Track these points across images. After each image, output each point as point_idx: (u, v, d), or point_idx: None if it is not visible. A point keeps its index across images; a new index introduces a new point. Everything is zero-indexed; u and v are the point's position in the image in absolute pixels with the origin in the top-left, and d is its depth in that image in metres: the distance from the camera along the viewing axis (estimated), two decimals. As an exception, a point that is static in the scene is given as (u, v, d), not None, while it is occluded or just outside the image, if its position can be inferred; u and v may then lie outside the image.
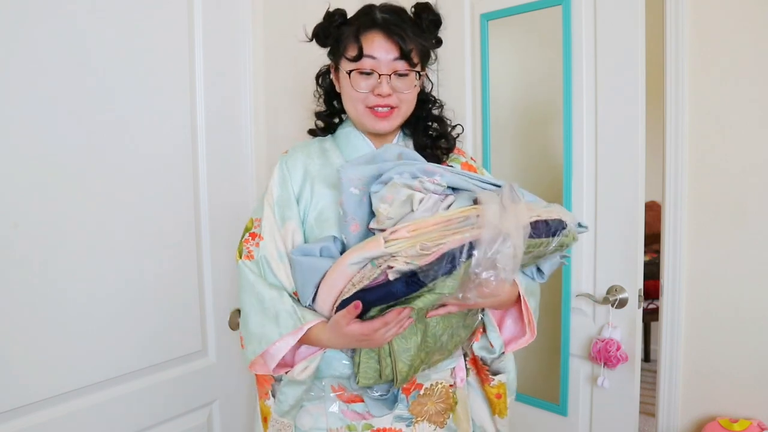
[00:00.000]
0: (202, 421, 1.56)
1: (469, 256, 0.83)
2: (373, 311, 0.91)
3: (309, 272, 0.98)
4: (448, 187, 0.96)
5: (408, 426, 1.06)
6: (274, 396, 1.08)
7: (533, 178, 1.81)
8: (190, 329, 1.51)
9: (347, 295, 0.91)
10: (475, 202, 0.93)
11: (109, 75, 1.30)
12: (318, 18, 1.10)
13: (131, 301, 1.37)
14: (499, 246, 0.82)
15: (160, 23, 1.41)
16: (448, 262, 0.83)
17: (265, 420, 1.10)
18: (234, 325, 1.59)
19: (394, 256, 0.86)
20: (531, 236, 0.87)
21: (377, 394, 1.03)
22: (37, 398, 1.20)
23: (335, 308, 0.94)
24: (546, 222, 0.90)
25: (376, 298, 0.88)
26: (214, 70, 1.52)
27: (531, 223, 0.88)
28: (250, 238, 1.07)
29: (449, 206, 0.93)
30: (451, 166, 1.08)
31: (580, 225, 0.98)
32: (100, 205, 1.30)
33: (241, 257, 1.06)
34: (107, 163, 1.31)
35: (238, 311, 1.60)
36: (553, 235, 0.91)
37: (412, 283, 0.85)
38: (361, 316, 0.92)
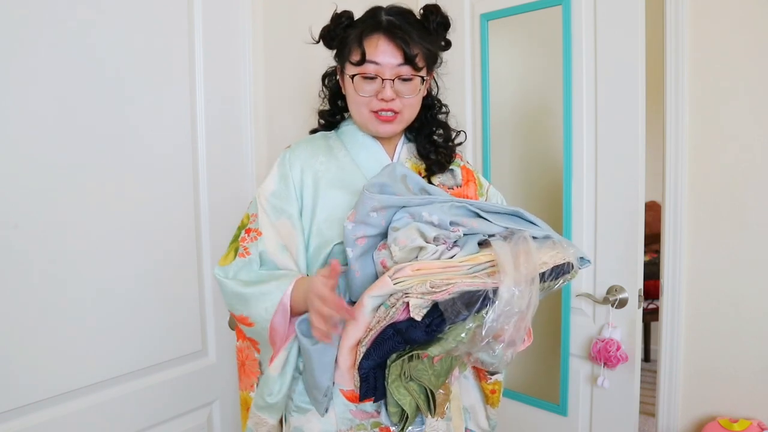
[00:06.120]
0: (202, 421, 1.56)
1: (483, 306, 0.84)
2: (393, 357, 0.93)
3: (327, 354, 0.98)
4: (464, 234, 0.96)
5: None
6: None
7: (533, 178, 1.81)
8: (190, 329, 1.51)
9: (366, 346, 0.93)
10: (481, 245, 0.93)
11: (109, 75, 1.30)
12: (319, 18, 1.09)
13: (131, 301, 1.37)
14: (514, 306, 0.83)
15: (160, 23, 1.41)
16: (463, 302, 0.84)
17: (247, 410, 1.10)
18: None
19: (407, 294, 0.86)
20: (541, 280, 0.89)
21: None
22: (37, 398, 1.20)
23: (358, 362, 0.94)
24: (555, 267, 0.92)
25: (391, 347, 0.91)
26: (214, 70, 1.52)
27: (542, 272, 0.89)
28: (246, 234, 1.06)
29: (452, 257, 0.93)
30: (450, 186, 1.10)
31: (582, 259, 0.99)
32: (100, 206, 1.30)
33: (235, 256, 1.05)
34: (107, 164, 1.31)
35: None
36: (559, 276, 0.93)
37: (430, 331, 0.87)
38: (384, 367, 0.94)
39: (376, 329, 0.91)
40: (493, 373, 1.17)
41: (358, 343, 0.94)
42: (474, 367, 1.20)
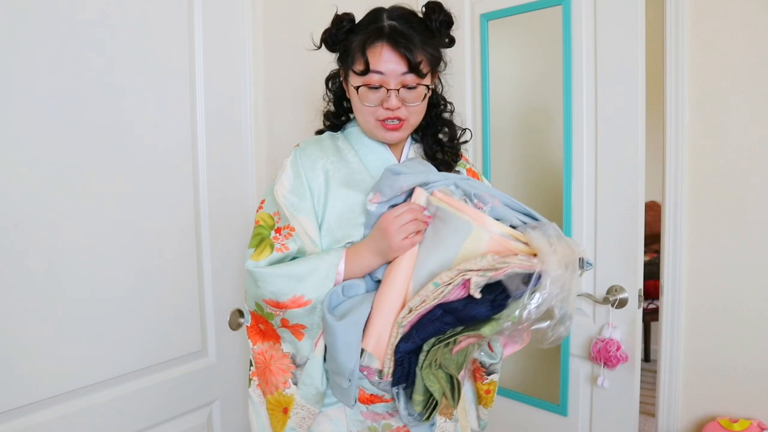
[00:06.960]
0: (202, 421, 1.56)
1: (535, 285, 0.85)
2: (432, 341, 0.91)
3: (352, 332, 0.95)
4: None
5: None
6: (296, 384, 1.04)
7: (533, 178, 1.81)
8: (190, 329, 1.51)
9: (405, 328, 0.90)
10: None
11: (109, 75, 1.30)
12: (319, 19, 1.09)
13: (131, 301, 1.37)
14: (560, 286, 0.84)
15: (161, 23, 1.41)
16: (521, 279, 0.85)
17: (285, 411, 1.06)
18: (234, 325, 1.59)
19: (462, 273, 0.87)
20: None
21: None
22: (37, 398, 1.20)
23: (395, 344, 0.92)
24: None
25: (437, 329, 0.90)
26: (214, 71, 1.53)
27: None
28: (278, 234, 1.04)
29: None
30: (462, 174, 1.10)
31: (587, 263, 1.00)
32: (101, 206, 1.30)
33: (271, 251, 1.01)
34: (107, 164, 1.31)
35: (239, 311, 1.60)
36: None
37: (495, 306, 0.87)
38: (417, 352, 0.92)
39: (419, 309, 0.89)
40: (489, 374, 1.18)
41: (401, 308, 0.92)
42: (470, 368, 1.21)
